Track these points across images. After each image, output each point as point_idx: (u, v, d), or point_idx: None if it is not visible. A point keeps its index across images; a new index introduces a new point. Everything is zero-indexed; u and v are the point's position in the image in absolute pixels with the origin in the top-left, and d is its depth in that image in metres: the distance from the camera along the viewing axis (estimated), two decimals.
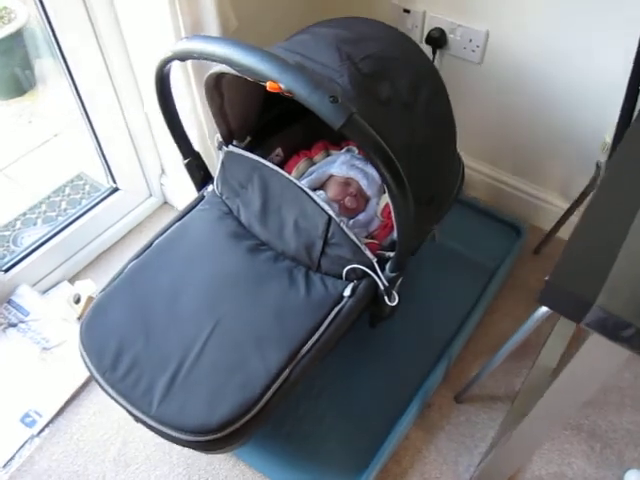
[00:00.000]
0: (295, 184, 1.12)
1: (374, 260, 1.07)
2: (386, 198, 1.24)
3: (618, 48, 1.25)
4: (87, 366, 1.04)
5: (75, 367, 1.40)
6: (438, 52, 1.52)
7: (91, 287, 1.56)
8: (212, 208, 1.23)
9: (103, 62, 1.42)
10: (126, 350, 1.03)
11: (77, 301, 1.54)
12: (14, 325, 1.50)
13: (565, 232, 1.57)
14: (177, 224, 1.21)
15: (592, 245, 0.66)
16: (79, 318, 1.51)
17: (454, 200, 1.28)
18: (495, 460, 1.14)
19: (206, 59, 0.92)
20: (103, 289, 1.13)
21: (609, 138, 1.29)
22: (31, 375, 1.42)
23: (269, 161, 1.17)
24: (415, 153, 1.03)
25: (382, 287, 1.07)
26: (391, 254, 1.06)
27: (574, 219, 1.51)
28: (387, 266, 1.06)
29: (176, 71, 1.20)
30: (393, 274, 1.06)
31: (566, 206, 1.51)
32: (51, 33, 1.34)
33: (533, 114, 1.50)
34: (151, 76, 1.04)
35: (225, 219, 1.21)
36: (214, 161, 1.28)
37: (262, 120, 1.26)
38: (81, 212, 1.66)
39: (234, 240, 1.17)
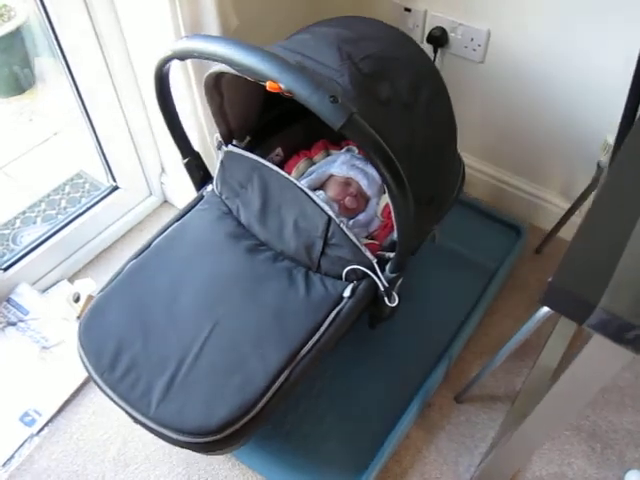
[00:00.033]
0: (295, 184, 1.11)
1: (374, 261, 1.07)
2: (386, 198, 1.23)
3: (619, 48, 1.25)
4: (85, 367, 1.04)
5: (75, 366, 1.40)
6: (439, 51, 1.52)
7: (91, 286, 1.56)
8: (211, 208, 1.22)
9: (103, 61, 1.42)
10: (124, 351, 1.02)
11: (77, 300, 1.54)
12: (13, 324, 1.49)
13: (566, 232, 1.57)
14: (176, 224, 1.21)
15: (595, 246, 0.65)
16: (79, 317, 1.51)
17: (454, 200, 1.28)
18: (495, 460, 1.14)
19: (206, 58, 0.91)
20: (102, 289, 1.12)
21: (610, 138, 1.29)
22: (30, 374, 1.42)
23: (269, 161, 1.17)
24: (415, 153, 1.03)
25: (382, 288, 1.07)
26: (391, 255, 1.06)
27: (575, 219, 1.51)
28: (387, 267, 1.06)
29: (176, 71, 1.20)
30: (393, 275, 1.05)
31: (567, 206, 1.51)
32: (51, 31, 1.34)
33: (534, 113, 1.49)
34: (151, 75, 1.04)
35: (224, 219, 1.20)
36: (214, 161, 1.28)
37: (262, 120, 1.26)
38: (81, 211, 1.66)
39: (233, 240, 1.16)
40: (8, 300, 1.52)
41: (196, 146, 1.25)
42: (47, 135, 2.08)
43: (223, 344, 1.03)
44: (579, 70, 1.34)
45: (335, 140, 1.37)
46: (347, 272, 1.09)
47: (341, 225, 1.07)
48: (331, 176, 1.29)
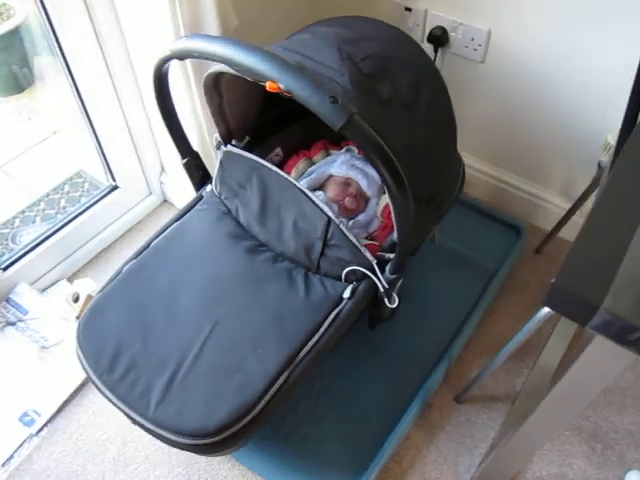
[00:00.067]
0: (294, 185, 1.11)
1: (374, 262, 1.06)
2: (386, 198, 1.23)
3: (619, 48, 1.25)
4: (84, 368, 1.04)
5: (74, 366, 1.37)
6: (440, 51, 1.51)
7: (90, 286, 1.56)
8: (211, 208, 1.22)
9: (103, 60, 1.41)
10: (123, 352, 1.02)
11: (76, 300, 1.53)
12: (13, 324, 1.49)
13: (566, 232, 1.57)
14: (175, 224, 1.21)
15: (598, 248, 0.65)
16: (78, 317, 1.50)
17: (455, 200, 1.27)
18: (496, 461, 1.14)
19: (205, 58, 0.91)
20: (100, 290, 1.12)
21: (611, 138, 1.29)
22: (30, 374, 1.42)
23: (268, 161, 1.17)
24: (415, 153, 1.02)
25: (382, 289, 1.06)
26: (391, 255, 1.05)
27: (576, 219, 1.51)
28: (387, 268, 1.05)
29: (176, 72, 1.20)
30: (393, 276, 1.05)
31: (567, 206, 1.50)
32: (51, 31, 1.33)
33: (534, 113, 1.49)
34: (150, 75, 1.03)
35: (224, 219, 1.20)
36: (213, 161, 1.27)
37: (261, 120, 1.26)
38: (80, 210, 1.66)
39: (233, 240, 1.16)
40: (7, 300, 1.52)
41: (195, 146, 1.25)
42: (46, 134, 2.07)
43: (222, 345, 1.02)
44: (579, 70, 1.34)
45: (335, 140, 1.36)
46: (347, 273, 1.09)
47: (341, 226, 1.07)
48: (331, 176, 1.29)
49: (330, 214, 1.07)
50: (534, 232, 1.65)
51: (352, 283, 1.09)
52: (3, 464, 1.28)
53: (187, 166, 1.24)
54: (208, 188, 1.26)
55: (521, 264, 1.60)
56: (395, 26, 1.15)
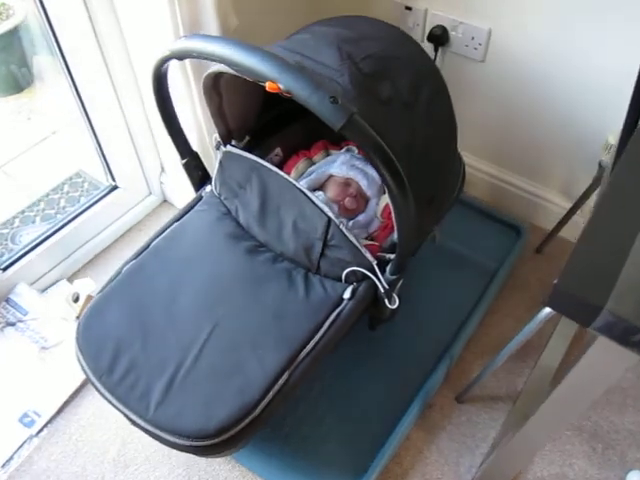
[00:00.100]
0: (294, 185, 1.10)
1: (374, 262, 1.06)
2: (386, 199, 1.23)
3: (620, 48, 1.24)
4: (83, 369, 1.03)
5: (74, 367, 1.38)
6: (440, 50, 1.51)
7: (90, 286, 1.55)
8: (210, 209, 1.22)
9: (102, 60, 1.41)
10: (123, 353, 1.02)
11: (76, 300, 1.53)
12: (12, 324, 1.49)
13: (567, 232, 1.56)
14: (175, 225, 1.20)
15: (600, 249, 0.65)
16: (78, 317, 1.50)
17: (455, 200, 1.27)
18: (497, 462, 1.14)
19: (204, 58, 0.91)
20: (100, 290, 1.12)
21: (612, 137, 1.29)
22: (30, 375, 1.41)
23: (268, 161, 1.16)
24: (416, 153, 1.02)
25: (382, 290, 1.06)
26: (391, 256, 1.05)
27: (576, 219, 1.50)
28: (387, 268, 1.05)
29: (175, 71, 1.19)
30: (393, 276, 1.04)
31: (568, 205, 1.50)
32: (50, 31, 1.33)
33: (535, 112, 1.48)
34: (150, 74, 1.03)
35: (223, 220, 1.20)
36: (212, 161, 1.27)
37: (261, 120, 1.25)
38: (80, 210, 1.65)
39: (232, 241, 1.16)
40: (7, 300, 1.52)
41: (195, 146, 1.24)
42: (46, 134, 2.07)
43: (222, 346, 1.02)
44: (580, 69, 1.34)
45: (335, 140, 1.36)
46: (347, 274, 1.08)
47: (341, 226, 1.07)
48: (331, 176, 1.28)
49: (330, 214, 1.07)
50: (534, 232, 1.65)
51: (352, 284, 1.09)
52: (3, 465, 1.28)
53: (186, 166, 1.24)
54: (208, 188, 1.26)
55: (521, 264, 1.60)
56: (395, 26, 1.15)
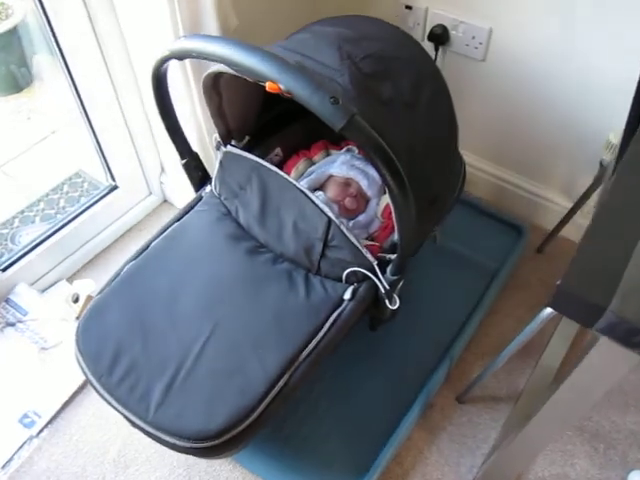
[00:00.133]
0: (294, 185, 1.10)
1: (375, 263, 1.05)
2: (386, 199, 1.22)
3: (621, 47, 1.24)
4: (83, 370, 1.03)
5: (74, 367, 1.38)
6: (440, 49, 1.51)
7: (90, 286, 1.55)
8: (210, 209, 1.21)
9: (102, 60, 1.41)
10: (123, 354, 1.01)
11: (76, 300, 1.53)
12: (12, 324, 1.49)
13: (568, 231, 1.56)
14: (175, 225, 1.20)
15: (603, 249, 0.65)
16: (78, 317, 1.50)
17: (456, 200, 1.27)
18: (497, 463, 1.13)
19: (204, 58, 0.90)
20: (100, 291, 1.11)
21: (613, 136, 1.28)
22: (30, 375, 1.41)
23: (268, 161, 1.16)
24: (416, 153, 1.02)
25: (383, 290, 1.06)
26: (392, 256, 1.04)
27: (577, 218, 1.50)
28: (388, 269, 1.05)
29: (175, 71, 1.19)
30: (394, 277, 1.04)
31: (569, 205, 1.50)
32: (49, 31, 1.32)
33: (536, 112, 1.48)
34: (149, 74, 1.03)
35: (223, 220, 1.19)
36: (212, 161, 1.27)
37: (261, 120, 1.25)
38: (80, 210, 1.65)
39: (233, 242, 1.15)
40: (7, 300, 1.51)
41: (195, 146, 1.24)
42: (45, 133, 2.06)
43: (223, 347, 1.02)
44: (580, 68, 1.33)
45: (335, 140, 1.36)
46: (347, 274, 1.08)
47: (341, 226, 1.06)
48: (331, 176, 1.28)
49: (330, 214, 1.07)
50: (535, 231, 1.64)
51: (353, 284, 1.08)
52: (3, 466, 1.28)
53: (186, 167, 1.23)
54: (207, 189, 1.25)
55: (522, 263, 1.60)
56: (396, 25, 1.15)
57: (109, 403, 1.00)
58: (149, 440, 0.98)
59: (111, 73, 1.44)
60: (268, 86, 0.81)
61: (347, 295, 1.07)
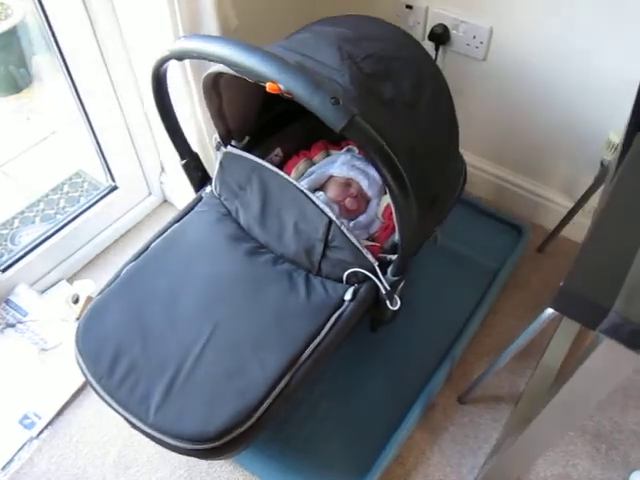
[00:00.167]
0: (294, 185, 1.10)
1: (375, 264, 1.05)
2: (387, 199, 1.22)
3: (622, 46, 1.23)
4: (83, 372, 1.03)
5: (74, 368, 1.38)
6: (441, 48, 1.50)
7: (90, 287, 1.55)
8: (210, 210, 1.21)
9: (102, 60, 1.40)
10: (123, 355, 1.01)
11: (76, 301, 1.53)
12: (12, 325, 1.48)
13: (569, 231, 1.56)
14: (175, 226, 1.20)
15: (606, 250, 0.65)
16: (78, 318, 1.50)
17: (456, 200, 1.26)
18: (499, 465, 1.13)
19: (204, 59, 0.90)
20: (100, 292, 1.11)
21: (614, 136, 1.28)
22: (30, 376, 1.41)
23: (268, 161, 1.16)
24: (417, 153, 1.01)
25: (384, 291, 1.05)
26: (393, 257, 1.04)
27: (578, 218, 1.50)
28: (389, 270, 1.04)
29: (175, 72, 1.19)
30: (395, 278, 1.04)
31: (570, 205, 1.49)
32: (49, 31, 1.32)
33: (536, 111, 1.48)
34: (149, 75, 1.02)
35: (224, 221, 1.19)
36: (212, 162, 1.26)
37: (261, 120, 1.25)
38: (80, 210, 1.65)
39: (233, 242, 1.15)
40: (7, 301, 1.51)
41: (194, 147, 1.24)
42: (45, 134, 2.06)
43: (223, 348, 1.01)
44: (581, 68, 1.33)
45: (335, 140, 1.35)
46: (348, 275, 1.08)
47: (342, 227, 1.06)
48: (331, 177, 1.28)
49: (331, 215, 1.06)
50: (536, 231, 1.64)
51: (353, 285, 1.08)
52: (3, 467, 1.28)
53: (186, 167, 1.23)
54: (207, 189, 1.25)
55: (523, 263, 1.59)
56: (396, 25, 1.14)
57: (109, 405, 0.99)
58: (149, 441, 0.98)
59: (111, 73, 1.43)
60: (268, 87, 0.81)
61: (348, 296, 1.07)
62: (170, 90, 1.07)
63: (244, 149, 1.19)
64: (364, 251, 1.06)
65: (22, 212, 1.78)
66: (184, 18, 1.14)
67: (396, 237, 1.00)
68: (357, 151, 1.32)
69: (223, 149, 1.19)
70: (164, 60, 0.97)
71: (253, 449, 1.23)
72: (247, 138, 1.23)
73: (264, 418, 0.95)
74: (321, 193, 1.24)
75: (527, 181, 1.66)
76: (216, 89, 1.07)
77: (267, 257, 1.13)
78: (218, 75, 1.01)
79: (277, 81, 0.80)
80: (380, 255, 1.08)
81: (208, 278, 1.11)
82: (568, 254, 1.59)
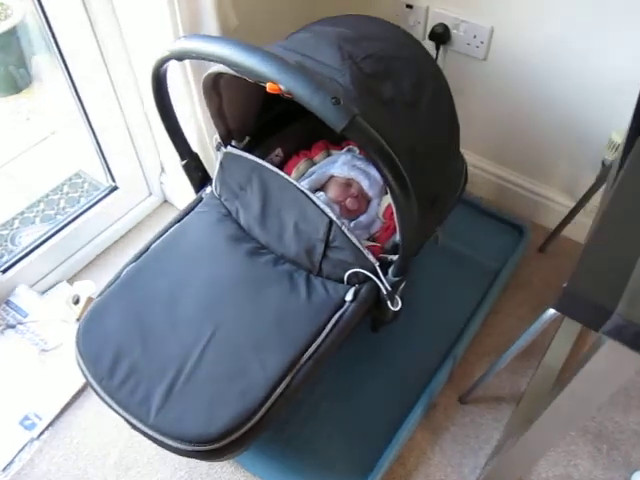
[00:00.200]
0: (295, 186, 1.10)
1: (376, 264, 1.05)
2: (388, 199, 1.22)
3: (623, 46, 1.23)
4: (83, 373, 1.03)
5: (74, 369, 1.38)
6: (441, 48, 1.50)
7: (90, 288, 1.55)
8: (211, 210, 1.21)
9: (102, 60, 1.40)
10: (123, 357, 1.01)
11: (76, 302, 1.52)
12: (12, 326, 1.48)
13: (570, 231, 1.56)
14: (175, 227, 1.19)
15: (610, 252, 0.65)
16: (78, 319, 1.49)
17: (457, 200, 1.26)
18: (500, 466, 1.13)
19: (204, 59, 0.90)
20: (100, 294, 1.11)
21: (616, 136, 1.28)
22: (30, 377, 1.41)
23: (268, 161, 1.15)
24: (418, 154, 1.01)
25: (385, 292, 1.05)
26: (394, 257, 1.04)
27: (579, 218, 1.50)
28: (390, 270, 1.04)
29: (175, 72, 1.18)
30: (396, 278, 1.04)
31: (571, 204, 1.49)
32: (49, 31, 1.32)
33: (537, 111, 1.47)
34: (149, 75, 1.02)
35: (224, 222, 1.19)
36: (212, 162, 1.26)
37: (261, 120, 1.24)
38: (80, 211, 1.64)
39: (233, 243, 1.15)
40: (7, 302, 1.51)
41: (195, 147, 1.24)
42: (45, 134, 2.06)
43: (223, 350, 1.01)
44: (582, 67, 1.33)
45: (335, 140, 1.35)
46: (349, 275, 1.07)
47: (342, 227, 1.06)
48: (332, 177, 1.27)
49: (331, 215, 1.06)
50: (537, 231, 1.64)
51: (354, 285, 1.08)
52: (4, 468, 1.28)
53: (186, 167, 1.23)
54: (208, 190, 1.25)
55: (524, 263, 1.59)
56: (396, 25, 1.14)
57: (110, 406, 0.99)
58: (150, 442, 0.98)
59: (111, 74, 1.43)
60: (269, 87, 0.81)
61: (349, 296, 1.06)
62: (170, 90, 1.07)
63: (244, 149, 1.19)
64: (365, 251, 1.05)
65: (22, 213, 1.78)
66: (184, 18, 1.14)
67: (397, 237, 0.99)
68: (358, 151, 1.31)
69: (223, 149, 1.19)
70: (164, 60, 0.97)
71: (254, 450, 1.23)
72: (247, 138, 1.23)
73: (265, 419, 0.95)
74: (322, 193, 1.24)
75: (528, 181, 1.66)
76: (216, 89, 1.06)
77: (268, 258, 1.13)
78: (218, 75, 1.00)
79: (277, 81, 0.80)
80: (381, 255, 1.08)
81: (209, 279, 1.11)
82: (569, 254, 1.58)
